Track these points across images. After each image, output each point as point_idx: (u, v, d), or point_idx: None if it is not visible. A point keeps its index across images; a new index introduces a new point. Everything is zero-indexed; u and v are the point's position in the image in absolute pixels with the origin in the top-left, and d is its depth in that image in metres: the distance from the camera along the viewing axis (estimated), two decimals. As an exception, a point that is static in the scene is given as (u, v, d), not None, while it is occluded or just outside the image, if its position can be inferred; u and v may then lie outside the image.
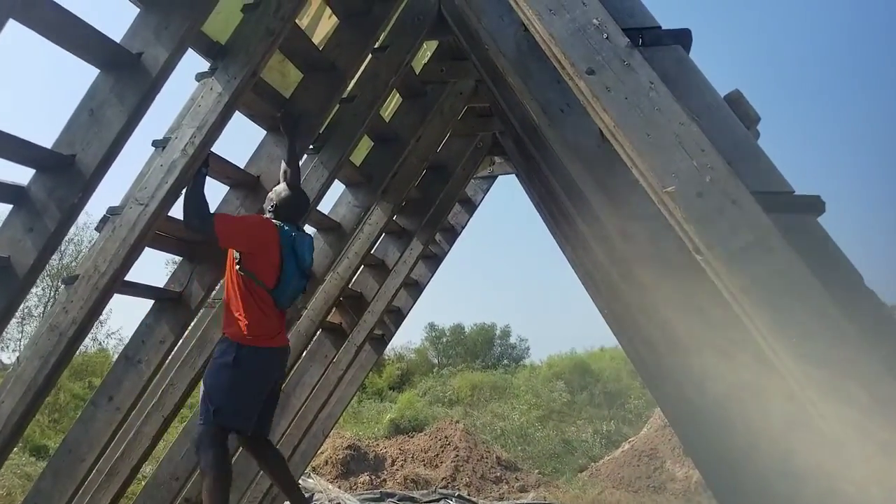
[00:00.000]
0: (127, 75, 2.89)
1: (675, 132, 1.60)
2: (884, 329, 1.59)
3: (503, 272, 37.05)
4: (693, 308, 2.27)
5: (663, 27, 1.67)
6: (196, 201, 3.13)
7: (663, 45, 1.65)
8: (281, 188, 3.45)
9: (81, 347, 16.25)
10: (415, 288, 8.31)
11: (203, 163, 3.26)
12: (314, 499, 9.97)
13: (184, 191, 3.16)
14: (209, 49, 3.31)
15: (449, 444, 12.40)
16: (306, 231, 3.44)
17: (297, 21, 3.56)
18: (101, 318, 17.40)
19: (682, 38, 1.66)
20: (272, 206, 3.36)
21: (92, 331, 17.48)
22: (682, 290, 2.33)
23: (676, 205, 1.63)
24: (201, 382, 3.25)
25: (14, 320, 16.96)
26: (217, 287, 4.25)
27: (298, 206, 3.44)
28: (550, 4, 1.62)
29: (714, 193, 1.60)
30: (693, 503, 10.35)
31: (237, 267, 3.20)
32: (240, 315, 3.18)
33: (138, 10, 2.95)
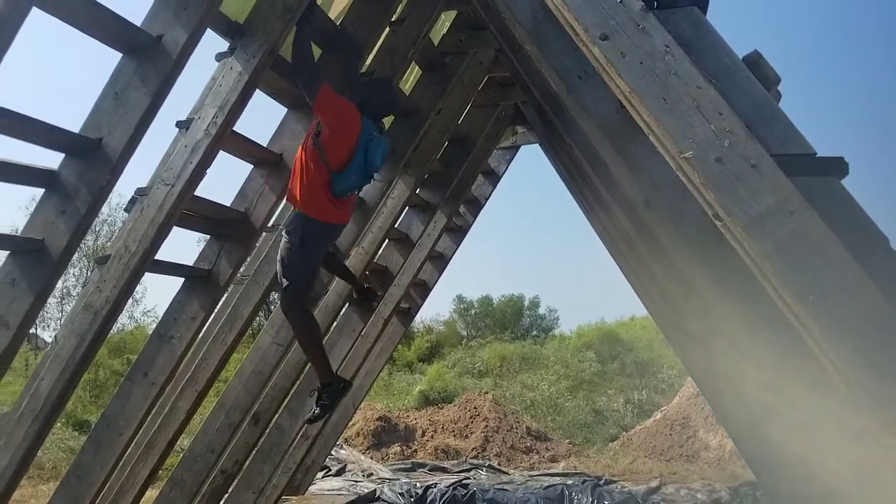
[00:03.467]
0: (149, 58, 2.93)
1: (691, 96, 1.58)
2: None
3: (530, 242, 36.91)
4: (715, 274, 2.25)
5: (679, -12, 1.63)
6: (305, 57, 3.29)
7: (679, 7, 1.62)
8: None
9: (119, 325, 16.63)
10: (440, 261, 8.35)
11: (306, 16, 3.34)
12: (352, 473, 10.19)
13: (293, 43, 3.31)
14: (228, 29, 3.32)
15: (478, 414, 12.52)
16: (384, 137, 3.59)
17: (313, -4, 3.55)
18: (137, 296, 17.84)
19: (699, -1, 1.63)
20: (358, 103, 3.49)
21: (129, 309, 17.91)
22: (704, 256, 2.31)
23: (695, 170, 1.62)
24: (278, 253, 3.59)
25: (53, 300, 17.50)
26: (245, 263, 4.33)
27: (383, 101, 3.62)
28: (562, -30, 1.60)
29: (733, 158, 1.58)
30: (727, 472, 10.31)
31: (312, 140, 3.36)
32: (305, 187, 3.39)
33: (157, -8, 2.98)
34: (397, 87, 3.80)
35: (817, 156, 1.64)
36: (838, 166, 1.64)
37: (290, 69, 3.36)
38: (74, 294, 17.81)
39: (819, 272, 1.57)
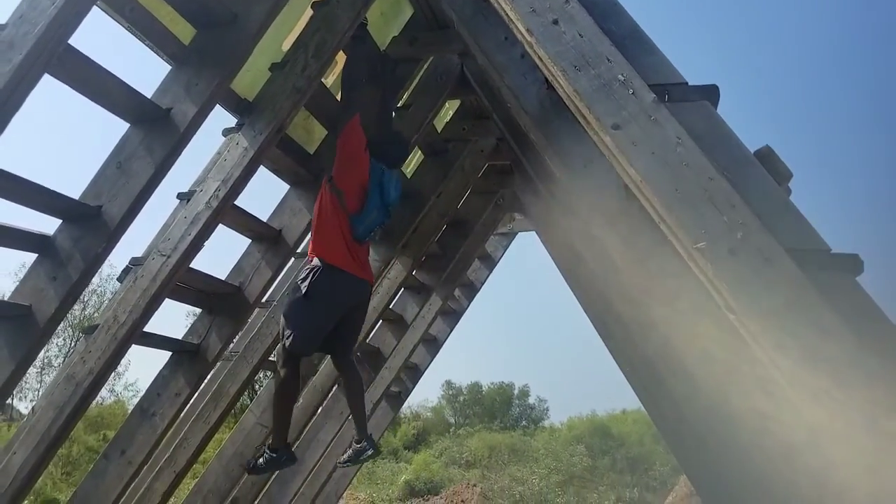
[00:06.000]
0: (156, 129, 2.95)
1: (703, 187, 1.57)
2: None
3: (522, 329, 36.68)
4: (717, 363, 2.19)
5: (690, 83, 1.66)
6: (355, 79, 3.39)
7: (690, 101, 1.64)
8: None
9: (98, 399, 16.25)
10: (433, 344, 8.22)
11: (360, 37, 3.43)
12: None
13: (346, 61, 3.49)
14: (237, 105, 3.38)
15: (466, 508, 12.03)
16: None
17: (322, 80, 3.64)
18: (120, 369, 17.40)
19: (710, 93, 1.65)
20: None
21: (110, 382, 17.46)
22: (709, 344, 2.26)
23: (707, 262, 1.59)
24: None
25: (33, 370, 17.03)
26: (235, 339, 4.22)
27: (392, 148, 3.54)
28: (576, 61, 1.62)
29: (746, 250, 1.56)
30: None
31: (329, 184, 3.30)
32: (322, 234, 3.31)
33: (170, 67, 3.04)
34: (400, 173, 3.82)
35: (832, 252, 1.61)
36: (853, 263, 1.61)
37: (342, 82, 3.44)
38: (56, 365, 17.38)
39: (834, 368, 1.51)
